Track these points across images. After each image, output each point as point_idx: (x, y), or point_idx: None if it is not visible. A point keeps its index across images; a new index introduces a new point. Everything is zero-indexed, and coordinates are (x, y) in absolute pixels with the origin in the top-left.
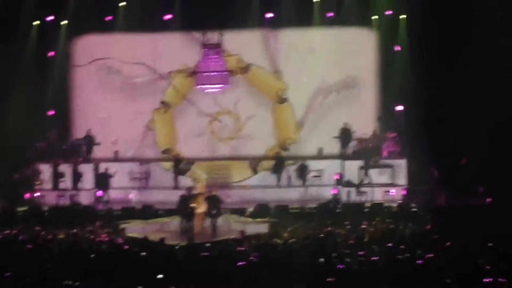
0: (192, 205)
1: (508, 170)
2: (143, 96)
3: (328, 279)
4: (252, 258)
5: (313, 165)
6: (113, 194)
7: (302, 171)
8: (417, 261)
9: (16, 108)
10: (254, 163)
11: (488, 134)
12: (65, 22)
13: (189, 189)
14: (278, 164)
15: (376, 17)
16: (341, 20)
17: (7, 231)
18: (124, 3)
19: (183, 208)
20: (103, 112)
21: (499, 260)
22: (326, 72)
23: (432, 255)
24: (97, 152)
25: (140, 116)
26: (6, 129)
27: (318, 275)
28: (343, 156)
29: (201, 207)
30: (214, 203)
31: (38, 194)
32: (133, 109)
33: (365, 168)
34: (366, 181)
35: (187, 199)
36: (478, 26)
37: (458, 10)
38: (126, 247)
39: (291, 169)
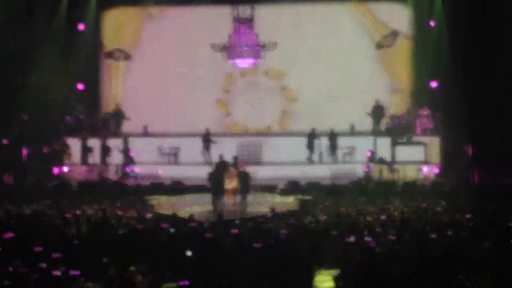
0: (224, 181)
1: None
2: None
3: (358, 257)
4: (282, 235)
5: (345, 141)
6: (142, 169)
7: (334, 148)
8: (447, 240)
9: (45, 81)
10: None
11: None
12: None
13: (220, 165)
14: (310, 140)
15: None
16: None
17: (36, 206)
18: None
19: (214, 184)
20: None
21: None
22: (359, 47)
23: (464, 234)
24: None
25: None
26: (35, 102)
27: (349, 253)
28: (375, 133)
29: (231, 183)
30: (244, 179)
31: (67, 168)
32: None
33: (393, 145)
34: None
35: (217, 175)
36: None
37: None
38: (155, 223)
39: (322, 146)
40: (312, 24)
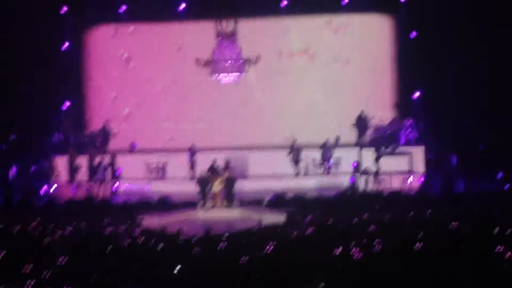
0: (211, 185)
1: None
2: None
3: (345, 269)
4: (269, 248)
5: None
6: (130, 185)
7: (324, 159)
8: (434, 249)
9: (31, 101)
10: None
11: (507, 119)
12: (80, 12)
13: (211, 169)
14: (295, 152)
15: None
16: (357, 6)
17: (24, 224)
18: None
19: (202, 189)
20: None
21: None
22: (344, 59)
23: (451, 242)
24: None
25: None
26: (22, 121)
27: (336, 264)
28: (360, 144)
29: (218, 187)
30: (230, 184)
31: (54, 187)
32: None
33: (377, 156)
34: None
35: (205, 181)
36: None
37: None
38: (143, 239)
39: (308, 158)
40: (296, 37)
